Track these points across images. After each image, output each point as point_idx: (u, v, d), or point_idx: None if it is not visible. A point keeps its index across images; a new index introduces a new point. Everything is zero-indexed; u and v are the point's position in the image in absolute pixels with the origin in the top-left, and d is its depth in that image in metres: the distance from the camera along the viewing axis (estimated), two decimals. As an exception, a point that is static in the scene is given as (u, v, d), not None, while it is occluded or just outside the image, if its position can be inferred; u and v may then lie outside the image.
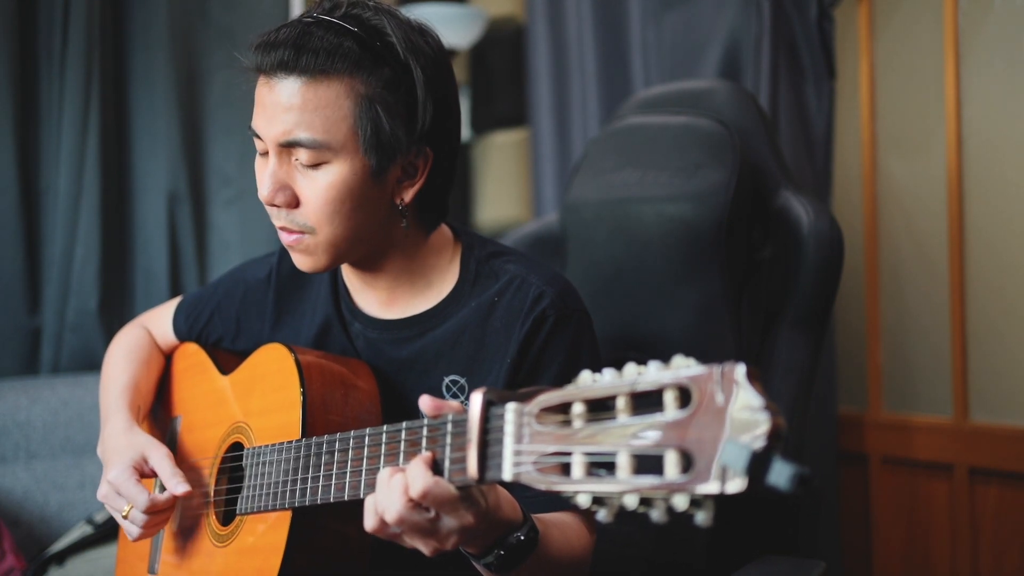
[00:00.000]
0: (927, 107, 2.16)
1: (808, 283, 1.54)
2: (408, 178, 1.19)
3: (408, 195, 1.19)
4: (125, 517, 1.24)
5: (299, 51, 1.11)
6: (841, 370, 2.31)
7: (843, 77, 2.28)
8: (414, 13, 1.21)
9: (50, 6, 2.15)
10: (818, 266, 1.54)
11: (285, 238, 1.19)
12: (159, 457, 1.25)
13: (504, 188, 3.11)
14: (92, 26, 2.16)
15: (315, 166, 1.14)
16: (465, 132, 3.11)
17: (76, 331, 2.17)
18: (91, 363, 2.18)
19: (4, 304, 2.12)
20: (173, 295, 2.28)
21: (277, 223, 1.18)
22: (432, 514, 0.91)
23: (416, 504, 0.90)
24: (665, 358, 0.75)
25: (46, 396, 2.01)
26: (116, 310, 2.24)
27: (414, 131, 1.16)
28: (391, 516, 0.91)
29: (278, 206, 1.16)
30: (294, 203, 1.16)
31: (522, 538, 0.98)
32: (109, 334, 2.17)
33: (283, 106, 1.12)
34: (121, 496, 1.23)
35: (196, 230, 2.35)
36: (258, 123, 1.16)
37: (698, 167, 1.60)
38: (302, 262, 1.20)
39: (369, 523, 0.94)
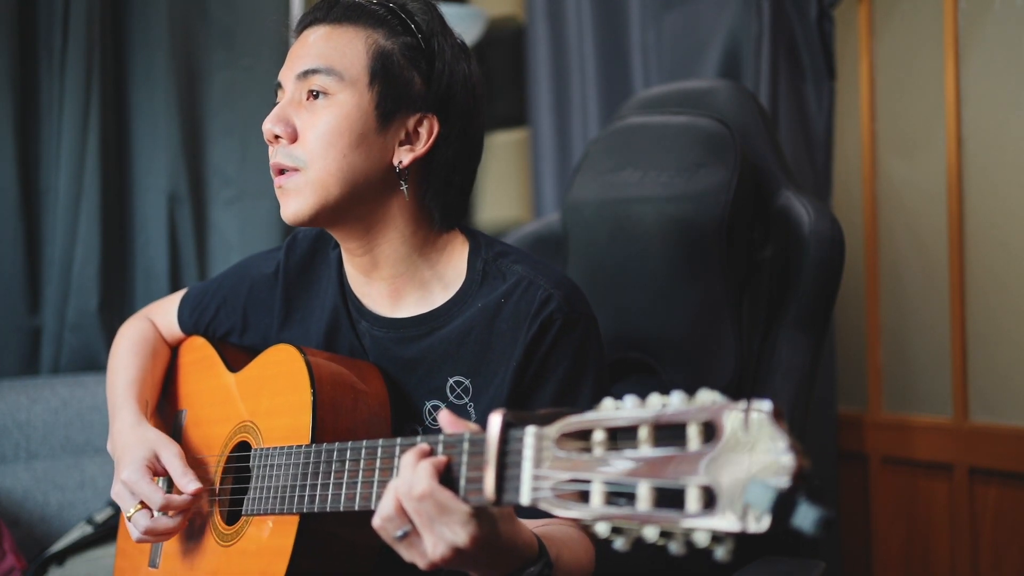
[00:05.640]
0: (927, 107, 2.16)
1: (809, 283, 1.54)
2: (410, 143, 1.22)
3: (407, 159, 1.21)
4: (130, 519, 1.23)
5: (331, 7, 1.23)
6: (841, 370, 2.30)
7: (843, 77, 2.28)
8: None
9: (50, 6, 2.15)
10: (819, 266, 1.54)
11: (276, 179, 1.22)
12: (170, 455, 1.25)
13: (504, 188, 3.11)
14: (92, 26, 2.15)
15: (323, 97, 1.19)
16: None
17: (76, 331, 2.17)
18: (91, 363, 2.18)
19: (4, 304, 2.12)
20: (173, 295, 2.28)
21: (272, 160, 1.21)
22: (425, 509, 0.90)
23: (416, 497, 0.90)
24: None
25: (46, 396, 2.01)
26: (116, 310, 2.24)
27: (426, 89, 1.21)
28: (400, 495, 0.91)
29: (278, 136, 1.20)
30: (292, 136, 1.20)
31: (536, 573, 0.97)
32: (109, 334, 2.17)
33: (307, 46, 1.22)
34: (135, 496, 1.23)
35: (196, 230, 2.35)
36: (283, 72, 1.23)
37: (699, 167, 1.60)
38: (287, 206, 1.21)
39: (388, 506, 0.94)
